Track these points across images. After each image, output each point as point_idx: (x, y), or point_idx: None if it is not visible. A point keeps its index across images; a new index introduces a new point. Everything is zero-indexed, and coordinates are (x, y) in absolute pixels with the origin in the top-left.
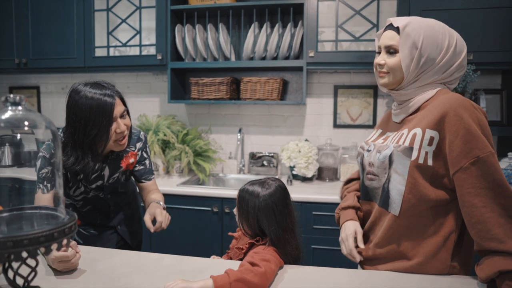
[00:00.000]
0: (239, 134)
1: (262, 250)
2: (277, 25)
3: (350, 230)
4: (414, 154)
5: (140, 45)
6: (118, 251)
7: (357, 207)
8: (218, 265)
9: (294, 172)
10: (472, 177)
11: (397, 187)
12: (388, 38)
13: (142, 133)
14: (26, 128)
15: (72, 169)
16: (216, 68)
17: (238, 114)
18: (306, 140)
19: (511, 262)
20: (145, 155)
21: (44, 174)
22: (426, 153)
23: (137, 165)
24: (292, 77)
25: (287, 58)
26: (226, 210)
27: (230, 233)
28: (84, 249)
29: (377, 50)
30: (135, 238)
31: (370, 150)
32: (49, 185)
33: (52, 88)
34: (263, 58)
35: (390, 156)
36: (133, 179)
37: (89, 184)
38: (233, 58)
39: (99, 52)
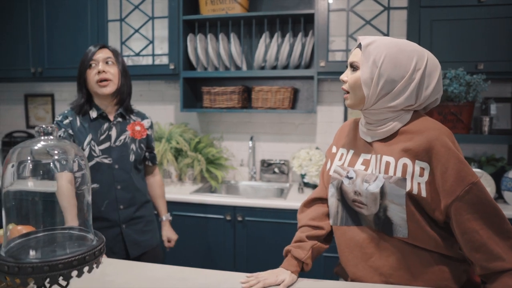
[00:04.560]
0: (250, 142)
1: None
2: (287, 35)
3: (281, 280)
4: (408, 184)
5: (153, 55)
6: (131, 264)
7: (306, 263)
8: (235, 277)
9: (305, 180)
10: (468, 204)
11: (398, 215)
12: (353, 54)
13: (150, 118)
14: (56, 157)
15: (77, 111)
16: (228, 77)
17: (250, 122)
18: (317, 148)
19: None
20: (152, 137)
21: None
22: (419, 184)
23: (150, 147)
24: (303, 85)
25: (298, 66)
26: (239, 219)
27: None
28: None
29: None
30: (138, 248)
31: (351, 178)
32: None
33: (66, 95)
34: (274, 67)
35: (382, 188)
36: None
37: (98, 145)
38: (244, 67)
39: None
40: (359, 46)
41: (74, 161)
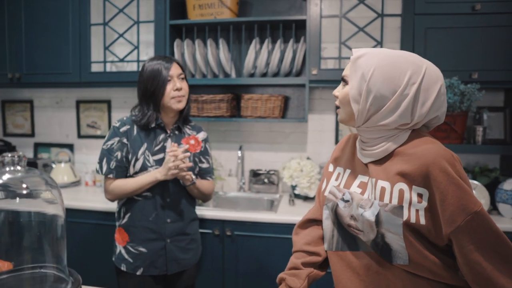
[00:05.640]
0: (239, 151)
1: None
2: (278, 41)
3: None
4: (405, 213)
5: (138, 61)
6: None
7: None
8: None
9: (296, 192)
10: (470, 234)
11: (397, 243)
12: (346, 68)
13: (205, 131)
14: (24, 192)
15: (140, 125)
16: (216, 84)
17: (238, 131)
18: (308, 158)
19: None
20: (208, 150)
21: (109, 145)
22: (417, 211)
23: (203, 160)
24: (294, 92)
25: (288, 73)
26: (228, 233)
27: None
28: None
29: None
30: (177, 266)
31: (347, 201)
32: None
33: (46, 102)
34: (264, 74)
35: (377, 216)
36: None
37: (152, 155)
38: (233, 74)
39: (96, 67)
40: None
41: (46, 191)
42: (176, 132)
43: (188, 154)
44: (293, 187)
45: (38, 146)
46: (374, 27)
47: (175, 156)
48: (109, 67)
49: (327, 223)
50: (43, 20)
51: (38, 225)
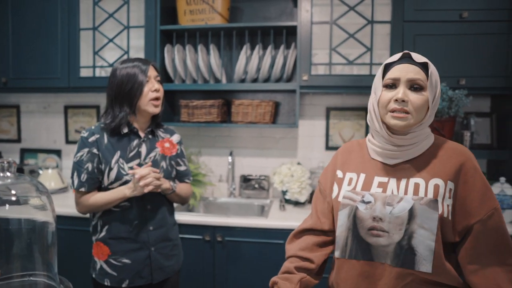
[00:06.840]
0: (230, 157)
1: None
2: (269, 47)
3: None
4: (440, 207)
5: None
6: None
7: None
8: None
9: (286, 197)
10: (487, 229)
11: (426, 243)
12: (413, 72)
13: (178, 133)
14: (13, 198)
15: (110, 130)
16: (207, 90)
17: (229, 136)
18: (299, 163)
19: None
20: (184, 152)
21: (79, 157)
22: (447, 206)
23: (180, 162)
24: (284, 98)
25: (279, 79)
26: (219, 239)
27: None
28: None
29: (386, 82)
30: (162, 273)
31: (369, 202)
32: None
33: (34, 107)
34: (255, 80)
35: (411, 210)
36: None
37: (127, 162)
38: (224, 80)
39: (85, 72)
40: (411, 62)
41: (36, 198)
42: (150, 136)
43: (157, 174)
44: (284, 193)
45: (24, 152)
46: (364, 34)
47: (142, 176)
48: (99, 72)
49: (341, 230)
50: (31, 23)
51: (28, 232)
